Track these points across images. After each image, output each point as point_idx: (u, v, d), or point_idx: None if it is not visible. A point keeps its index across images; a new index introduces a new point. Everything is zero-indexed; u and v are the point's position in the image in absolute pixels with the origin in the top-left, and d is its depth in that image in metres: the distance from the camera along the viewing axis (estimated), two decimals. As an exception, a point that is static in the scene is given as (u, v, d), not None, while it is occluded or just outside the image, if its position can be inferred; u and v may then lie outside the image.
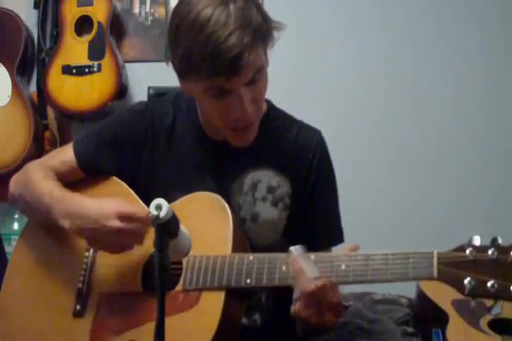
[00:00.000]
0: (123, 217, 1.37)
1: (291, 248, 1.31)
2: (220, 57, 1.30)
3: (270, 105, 1.63)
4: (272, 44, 1.41)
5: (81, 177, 1.61)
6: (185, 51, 1.34)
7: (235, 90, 1.37)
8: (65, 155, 1.61)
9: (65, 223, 1.43)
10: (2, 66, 2.88)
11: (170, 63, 1.46)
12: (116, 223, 1.36)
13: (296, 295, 1.30)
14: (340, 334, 1.67)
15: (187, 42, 1.34)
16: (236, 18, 1.32)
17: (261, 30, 1.36)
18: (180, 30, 1.36)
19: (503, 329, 2.07)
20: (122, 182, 1.58)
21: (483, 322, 2.09)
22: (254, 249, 1.47)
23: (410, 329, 2.25)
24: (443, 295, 2.17)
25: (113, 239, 1.38)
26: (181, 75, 1.43)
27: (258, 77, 1.39)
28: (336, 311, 1.28)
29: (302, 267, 1.27)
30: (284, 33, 1.44)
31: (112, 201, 1.42)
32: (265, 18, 1.39)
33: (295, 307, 1.30)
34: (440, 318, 2.13)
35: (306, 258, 1.28)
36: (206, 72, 1.33)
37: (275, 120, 1.60)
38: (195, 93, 1.45)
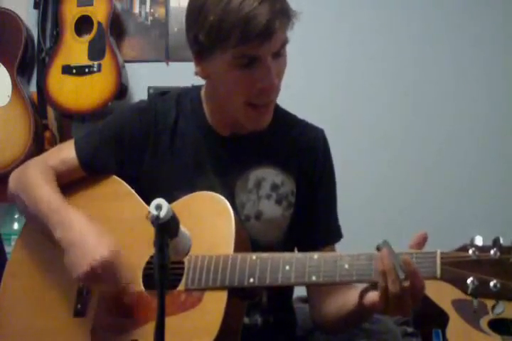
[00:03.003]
0: (104, 264, 1.37)
1: (381, 243, 1.25)
2: (254, 21, 1.33)
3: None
4: (292, 25, 1.43)
5: (81, 177, 1.60)
6: (215, 20, 1.36)
7: (263, 59, 1.39)
8: (65, 153, 1.60)
9: (56, 233, 1.44)
10: (2, 66, 2.88)
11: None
12: (108, 255, 1.38)
13: (378, 290, 1.26)
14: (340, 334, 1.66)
15: (217, 11, 1.36)
16: None
17: (286, 5, 1.41)
18: (207, 2, 1.38)
19: (503, 329, 2.07)
20: (123, 182, 1.57)
21: (483, 322, 2.09)
22: (258, 246, 1.47)
23: (410, 329, 2.25)
24: (443, 295, 2.17)
25: (94, 271, 1.37)
26: (206, 50, 1.42)
27: (282, 52, 1.43)
28: (416, 304, 1.26)
29: (393, 266, 1.22)
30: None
31: (106, 233, 1.43)
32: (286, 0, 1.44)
33: (369, 299, 1.28)
34: (440, 318, 2.14)
35: (395, 256, 1.23)
36: (239, 38, 1.35)
37: (279, 119, 1.60)
38: (217, 70, 1.44)
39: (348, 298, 1.41)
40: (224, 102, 1.51)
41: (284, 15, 1.38)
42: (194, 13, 1.42)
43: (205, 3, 1.39)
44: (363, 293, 1.32)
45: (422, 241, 1.27)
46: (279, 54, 1.42)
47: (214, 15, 1.36)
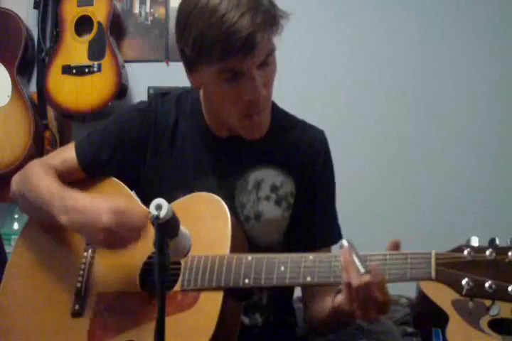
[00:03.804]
0: (117, 212, 1.36)
1: (343, 240, 1.28)
2: (235, 35, 1.32)
3: (273, 105, 1.63)
4: (279, 31, 1.42)
5: (81, 178, 1.60)
6: (197, 35, 1.35)
7: (248, 72, 1.38)
8: (66, 154, 1.60)
9: (63, 219, 1.42)
10: (2, 66, 2.88)
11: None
12: (111, 218, 1.35)
13: (341, 287, 1.27)
14: (339, 335, 1.66)
15: (199, 26, 1.35)
16: (247, 1, 1.34)
17: (270, 14, 1.38)
18: (191, 17, 1.37)
19: (503, 329, 2.07)
20: (121, 183, 1.57)
21: (483, 322, 2.09)
22: (257, 247, 1.47)
23: (410, 329, 2.25)
24: (443, 295, 2.17)
25: (109, 234, 1.36)
26: (193, 63, 1.42)
27: (269, 61, 1.41)
28: (381, 309, 1.26)
29: (353, 260, 1.24)
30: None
31: (108, 197, 1.42)
32: (272, 4, 1.41)
33: (338, 299, 1.29)
34: (440, 318, 2.13)
35: (357, 252, 1.25)
36: (220, 53, 1.34)
37: (278, 119, 1.60)
38: (206, 82, 1.45)
39: (328, 301, 1.41)
40: (219, 111, 1.51)
41: (267, 26, 1.36)
42: (179, 27, 1.42)
43: (188, 17, 1.38)
44: (335, 296, 1.32)
45: (394, 249, 1.27)
46: (265, 63, 1.40)
47: (196, 29, 1.35)
